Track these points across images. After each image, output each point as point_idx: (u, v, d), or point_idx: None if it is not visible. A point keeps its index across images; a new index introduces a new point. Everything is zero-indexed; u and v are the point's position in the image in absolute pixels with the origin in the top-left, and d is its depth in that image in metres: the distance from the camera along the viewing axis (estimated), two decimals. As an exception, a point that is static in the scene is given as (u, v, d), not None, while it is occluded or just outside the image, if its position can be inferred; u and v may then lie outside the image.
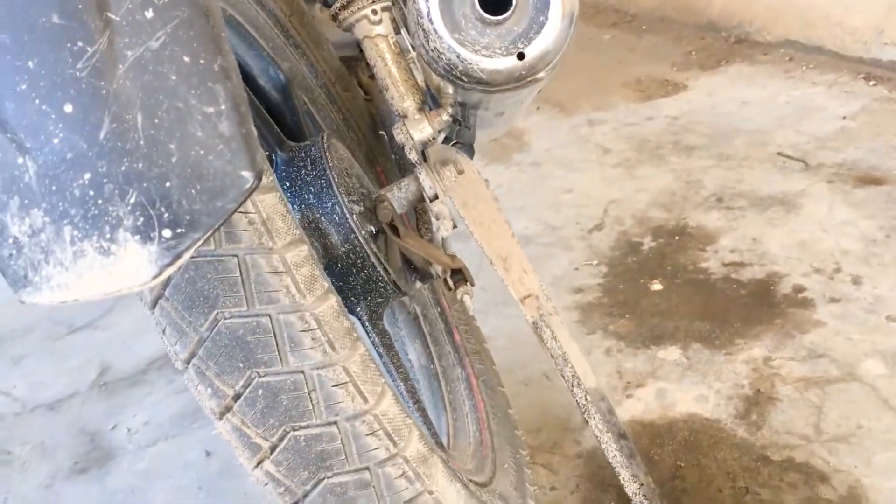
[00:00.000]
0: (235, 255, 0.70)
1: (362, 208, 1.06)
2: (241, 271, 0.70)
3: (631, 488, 1.14)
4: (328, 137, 1.10)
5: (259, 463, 0.76)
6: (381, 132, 1.57)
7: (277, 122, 1.34)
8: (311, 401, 0.73)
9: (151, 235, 0.53)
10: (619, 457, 1.12)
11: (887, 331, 1.57)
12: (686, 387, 1.52)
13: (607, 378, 1.57)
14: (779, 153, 2.19)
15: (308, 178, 1.05)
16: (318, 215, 1.04)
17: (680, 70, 2.81)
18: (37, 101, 0.52)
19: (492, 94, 0.79)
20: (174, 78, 0.53)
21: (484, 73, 0.76)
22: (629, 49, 3.06)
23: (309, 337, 0.73)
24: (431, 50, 0.77)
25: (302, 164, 1.07)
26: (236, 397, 0.73)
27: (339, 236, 1.03)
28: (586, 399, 1.11)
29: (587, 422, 1.14)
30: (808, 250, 1.81)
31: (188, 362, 0.73)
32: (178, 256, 0.53)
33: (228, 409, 0.74)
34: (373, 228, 1.07)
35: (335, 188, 1.03)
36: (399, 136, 1.12)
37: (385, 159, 1.54)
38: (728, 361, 1.56)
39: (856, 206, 1.92)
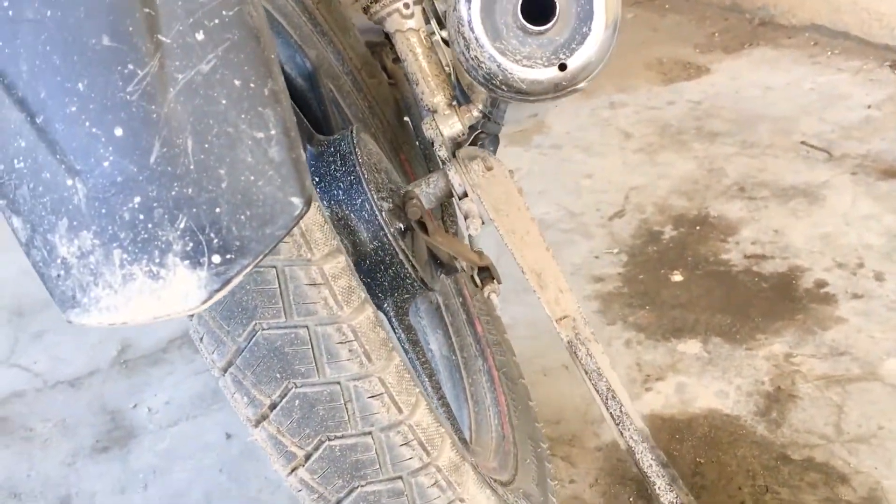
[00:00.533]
0: (274, 267, 0.70)
1: (391, 205, 1.06)
2: (279, 283, 0.70)
3: (667, 497, 1.12)
4: (357, 132, 1.09)
5: (293, 470, 0.76)
6: (405, 118, 1.57)
7: (303, 110, 1.33)
8: (347, 411, 0.74)
9: (201, 261, 0.53)
10: (655, 465, 1.12)
11: (910, 329, 1.56)
12: (706, 381, 1.52)
13: (627, 370, 1.57)
14: (802, 142, 2.17)
15: (338, 174, 1.05)
16: (347, 212, 1.03)
17: (703, 52, 2.78)
18: (87, 124, 0.52)
19: (533, 103, 0.79)
20: (224, 102, 0.53)
21: (524, 83, 0.76)
22: (652, 29, 3.03)
23: (346, 349, 0.73)
24: (472, 58, 0.76)
25: (332, 159, 1.06)
26: (272, 406, 0.74)
27: (368, 234, 1.03)
28: (620, 411, 1.10)
29: (630, 448, 1.12)
30: (830, 244, 1.80)
31: (225, 371, 0.74)
32: (227, 282, 0.53)
33: (264, 417, 0.74)
34: (401, 225, 1.06)
35: (365, 185, 1.03)
36: (429, 132, 1.11)
37: (409, 146, 1.53)
38: (748, 357, 1.56)
39: (880, 200, 1.91)
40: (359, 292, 0.75)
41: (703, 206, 2.00)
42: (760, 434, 1.41)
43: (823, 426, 1.40)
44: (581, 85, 0.76)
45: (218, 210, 0.52)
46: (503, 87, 0.77)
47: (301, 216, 0.54)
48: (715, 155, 2.19)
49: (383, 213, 1.03)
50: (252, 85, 0.53)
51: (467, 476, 0.83)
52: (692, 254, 1.84)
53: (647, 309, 1.71)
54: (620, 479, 1.38)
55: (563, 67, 0.74)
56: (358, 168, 1.04)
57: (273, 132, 0.53)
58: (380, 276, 1.06)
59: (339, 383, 0.73)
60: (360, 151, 1.06)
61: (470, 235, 1.19)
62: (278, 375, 0.72)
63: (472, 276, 1.15)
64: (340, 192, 1.04)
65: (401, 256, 1.04)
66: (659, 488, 1.10)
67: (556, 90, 0.76)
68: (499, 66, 0.75)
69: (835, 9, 2.67)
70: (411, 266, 1.06)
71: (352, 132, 1.09)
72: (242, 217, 0.53)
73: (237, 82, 0.53)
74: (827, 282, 1.71)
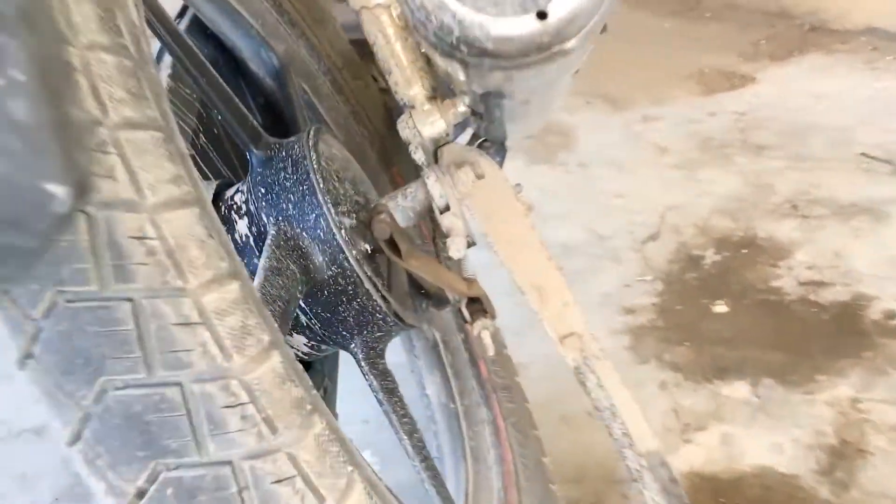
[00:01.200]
0: (129, 300, 0.49)
1: (355, 221, 0.85)
2: (136, 323, 0.50)
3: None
4: (317, 132, 0.89)
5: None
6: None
7: (271, 113, 1.14)
8: (243, 502, 0.52)
9: None
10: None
11: None
12: (756, 432, 1.28)
13: (662, 417, 1.34)
14: (862, 154, 1.93)
15: (288, 184, 0.84)
16: (298, 230, 0.83)
17: (747, 61, 2.54)
18: None
19: (507, 71, 0.57)
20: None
21: (489, 39, 0.54)
22: (692, 38, 2.80)
23: (237, 415, 0.52)
24: (417, 9, 0.55)
25: (282, 165, 0.86)
26: (140, 495, 0.53)
27: (324, 257, 0.82)
28: (640, 465, 0.88)
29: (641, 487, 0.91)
30: (900, 268, 1.55)
31: (72, 444, 0.53)
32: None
33: (129, 511, 0.53)
34: (367, 247, 0.85)
35: (320, 196, 0.82)
36: (404, 131, 0.91)
37: (403, 158, 1.32)
38: (807, 402, 1.31)
39: (957, 217, 1.66)
40: (259, 333, 0.53)
41: (750, 227, 1.75)
42: (824, 498, 1.16)
43: (903, 489, 1.15)
44: (569, 44, 0.55)
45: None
46: (462, 47, 0.55)
47: (67, 215, 0.33)
48: (762, 170, 1.95)
49: (343, 232, 0.82)
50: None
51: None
52: (738, 281, 1.60)
53: (686, 345, 1.47)
54: (654, 552, 1.14)
55: (542, 16, 0.53)
56: (312, 175, 0.83)
57: (16, 76, 0.32)
58: (342, 310, 0.86)
59: (229, 463, 0.52)
60: (315, 156, 0.85)
61: (451, 257, 0.97)
62: (141, 454, 0.51)
63: (460, 310, 0.93)
64: (291, 206, 0.84)
65: (367, 285, 0.83)
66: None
67: (538, 49, 0.55)
68: (453, 17, 0.54)
69: (894, 11, 2.42)
70: (381, 297, 0.84)
71: (309, 133, 0.88)
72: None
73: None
74: (899, 312, 1.46)
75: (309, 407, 0.56)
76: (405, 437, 0.89)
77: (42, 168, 0.32)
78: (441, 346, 1.24)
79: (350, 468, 0.57)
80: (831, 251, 1.64)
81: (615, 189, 1.99)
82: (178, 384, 0.51)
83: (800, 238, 1.69)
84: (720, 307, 1.55)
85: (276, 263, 0.80)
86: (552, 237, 1.79)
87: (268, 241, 0.82)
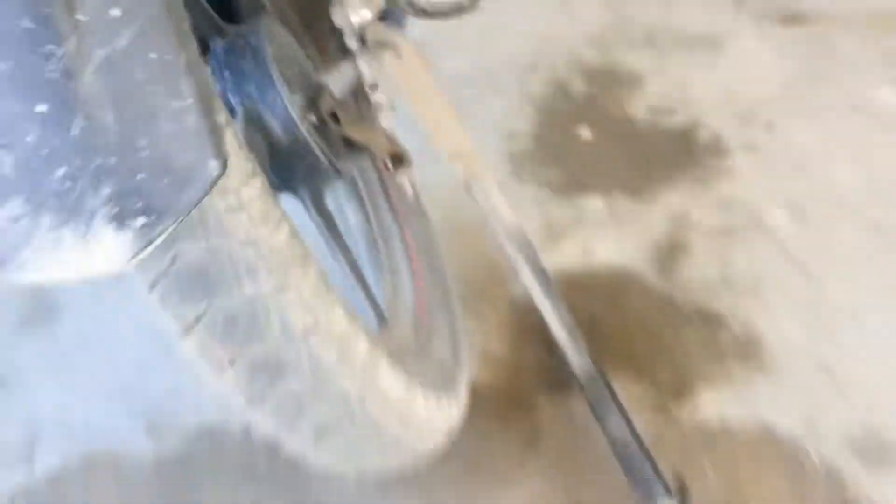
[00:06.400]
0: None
1: (303, 100, 1.09)
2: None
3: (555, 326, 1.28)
4: (269, 24, 1.10)
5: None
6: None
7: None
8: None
9: (125, 223, 0.58)
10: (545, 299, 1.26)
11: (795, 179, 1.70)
12: (607, 236, 1.64)
13: (537, 229, 1.67)
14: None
15: (248, 71, 1.07)
16: (261, 109, 1.06)
17: None
18: (10, 101, 0.55)
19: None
20: (142, 75, 0.56)
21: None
22: None
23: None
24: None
25: (242, 54, 1.08)
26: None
27: (282, 129, 1.07)
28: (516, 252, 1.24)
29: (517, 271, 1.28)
30: (729, 95, 1.89)
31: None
32: (150, 242, 0.58)
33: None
34: (314, 118, 1.10)
35: (277, 83, 1.05)
36: (337, 20, 1.13)
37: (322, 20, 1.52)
38: (647, 212, 1.67)
39: (779, 48, 1.99)
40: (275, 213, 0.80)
41: (613, 59, 2.04)
42: (653, 281, 1.55)
43: (711, 276, 1.54)
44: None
45: (140, 177, 0.57)
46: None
47: (219, 178, 0.59)
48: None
49: (296, 109, 1.07)
50: (168, 57, 0.57)
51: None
52: (601, 110, 1.91)
53: (557, 167, 1.80)
54: (530, 329, 1.52)
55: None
56: (269, 66, 1.06)
57: (190, 101, 0.57)
58: (296, 167, 1.11)
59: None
60: (271, 47, 1.07)
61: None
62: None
63: (384, 162, 1.20)
64: (253, 89, 1.07)
65: (314, 149, 1.09)
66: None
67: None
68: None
69: None
70: (326, 158, 1.11)
71: (262, 25, 1.10)
72: (163, 183, 0.58)
73: (153, 55, 0.56)
74: (723, 135, 1.81)
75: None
76: (343, 260, 1.19)
77: (205, 152, 0.58)
78: (359, 181, 1.51)
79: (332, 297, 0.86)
80: (676, 81, 1.96)
81: (501, 21, 2.22)
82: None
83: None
84: (585, 133, 1.86)
85: (247, 135, 1.05)
86: (445, 68, 2.03)
87: (238, 117, 1.06)
